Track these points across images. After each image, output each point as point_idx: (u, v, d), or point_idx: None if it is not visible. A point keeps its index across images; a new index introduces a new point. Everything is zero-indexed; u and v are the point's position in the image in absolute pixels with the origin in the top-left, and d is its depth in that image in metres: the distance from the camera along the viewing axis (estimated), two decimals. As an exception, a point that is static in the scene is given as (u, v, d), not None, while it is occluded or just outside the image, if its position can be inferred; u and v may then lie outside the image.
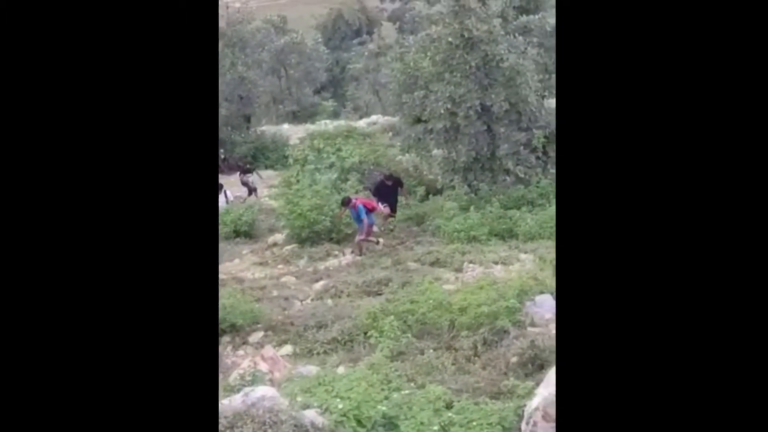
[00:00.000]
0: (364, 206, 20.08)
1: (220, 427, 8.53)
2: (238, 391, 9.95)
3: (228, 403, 9.15)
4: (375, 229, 20.61)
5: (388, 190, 22.17)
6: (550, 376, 9.48)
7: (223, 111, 36.67)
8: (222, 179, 31.57)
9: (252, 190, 28.70)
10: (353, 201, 20.19)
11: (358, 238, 20.06)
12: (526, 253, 17.89)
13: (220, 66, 36.91)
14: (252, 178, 29.09)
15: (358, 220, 20.14)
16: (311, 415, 9.29)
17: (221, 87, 36.69)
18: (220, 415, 8.63)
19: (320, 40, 55.02)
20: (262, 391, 9.47)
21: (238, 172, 30.26)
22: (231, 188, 28.19)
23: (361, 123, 41.16)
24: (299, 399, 9.83)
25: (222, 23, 37.65)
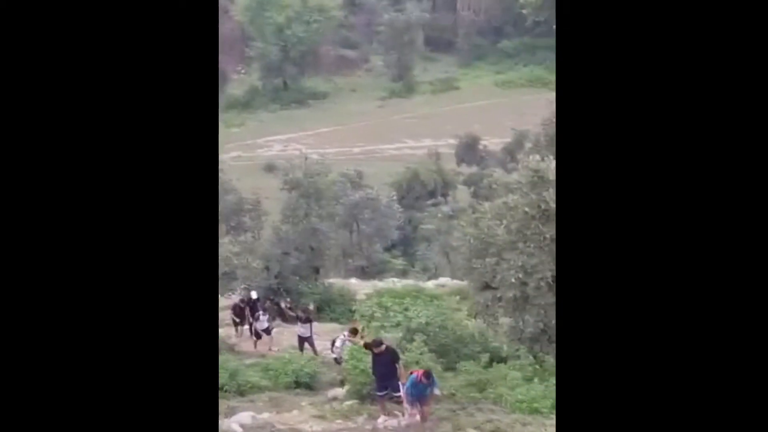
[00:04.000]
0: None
1: None
2: None
3: None
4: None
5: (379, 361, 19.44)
6: None
7: (292, 260, 36.95)
8: (282, 329, 31.42)
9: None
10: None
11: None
12: (589, 431, 17.48)
13: (293, 216, 37.42)
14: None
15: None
16: None
17: (293, 236, 37.07)
18: None
19: (395, 197, 55.70)
20: None
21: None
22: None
23: (430, 284, 41.32)
24: None
25: (299, 174, 38.28)
